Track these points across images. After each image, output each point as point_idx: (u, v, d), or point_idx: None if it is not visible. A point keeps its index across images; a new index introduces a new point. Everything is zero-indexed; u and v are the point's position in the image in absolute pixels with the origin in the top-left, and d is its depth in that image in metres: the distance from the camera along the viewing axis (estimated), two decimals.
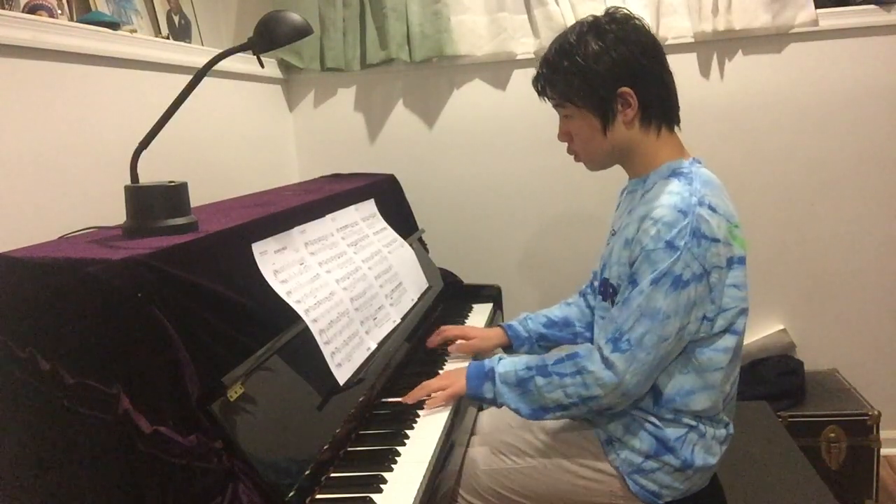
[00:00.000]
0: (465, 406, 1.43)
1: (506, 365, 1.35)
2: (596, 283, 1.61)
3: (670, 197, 1.23)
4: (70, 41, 1.44)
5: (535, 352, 1.67)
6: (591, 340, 1.63)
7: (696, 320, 1.24)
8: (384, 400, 1.41)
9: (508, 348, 1.69)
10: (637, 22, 1.32)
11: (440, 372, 1.57)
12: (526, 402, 1.31)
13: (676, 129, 1.37)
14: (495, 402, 1.35)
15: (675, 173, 1.28)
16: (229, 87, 2.16)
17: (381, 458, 1.19)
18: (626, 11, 1.33)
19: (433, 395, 1.38)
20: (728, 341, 1.28)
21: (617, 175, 1.44)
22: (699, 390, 1.28)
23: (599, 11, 1.36)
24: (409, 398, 1.38)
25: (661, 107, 1.32)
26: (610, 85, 1.29)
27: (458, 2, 2.37)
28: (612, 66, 1.28)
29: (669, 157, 1.33)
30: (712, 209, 1.23)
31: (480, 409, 1.62)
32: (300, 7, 2.35)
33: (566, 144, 1.41)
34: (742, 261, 1.27)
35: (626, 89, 1.28)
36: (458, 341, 1.67)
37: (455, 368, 1.46)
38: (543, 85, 1.37)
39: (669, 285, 1.19)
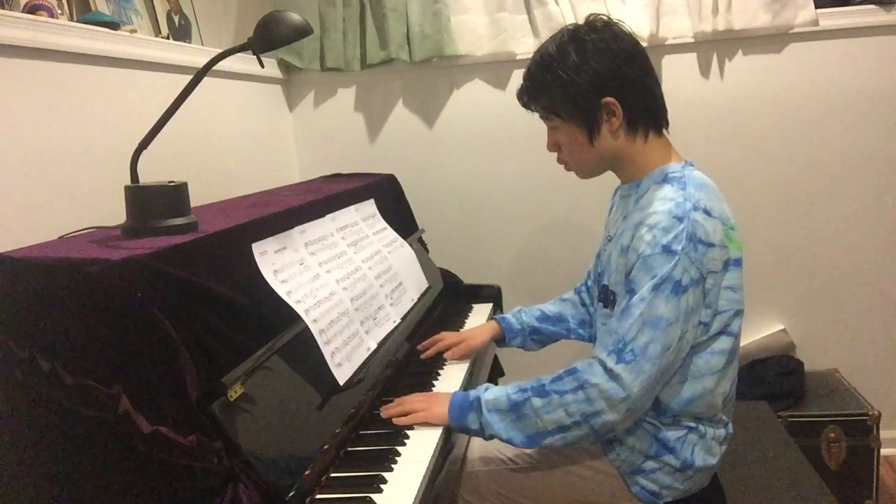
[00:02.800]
0: None
1: (495, 392, 1.28)
2: (590, 283, 1.61)
3: (665, 203, 1.22)
4: (70, 41, 1.44)
5: (528, 345, 1.68)
6: (584, 337, 1.64)
7: (694, 327, 1.23)
8: (384, 399, 1.41)
9: (501, 341, 1.69)
10: (618, 28, 1.30)
11: (440, 372, 1.57)
12: (520, 428, 1.24)
13: (665, 131, 1.36)
14: (482, 434, 1.28)
15: (667, 178, 1.28)
16: (229, 87, 2.16)
17: (381, 458, 1.19)
18: (606, 19, 1.31)
19: (409, 414, 1.31)
20: (724, 343, 1.27)
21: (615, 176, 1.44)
22: (697, 397, 1.27)
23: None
24: (385, 412, 1.33)
25: (646, 113, 1.31)
26: (593, 96, 1.27)
27: (458, 2, 2.37)
28: (594, 77, 1.26)
29: (660, 160, 1.32)
30: (707, 213, 1.22)
31: None
32: (300, 7, 2.35)
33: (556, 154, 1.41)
34: (738, 262, 1.27)
35: (609, 99, 1.27)
36: (453, 347, 1.64)
37: (441, 392, 1.39)
38: (527, 99, 1.36)
39: (670, 291, 1.18)
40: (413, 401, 1.34)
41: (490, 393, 1.29)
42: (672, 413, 1.28)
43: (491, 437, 1.28)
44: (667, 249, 1.18)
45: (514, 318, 1.67)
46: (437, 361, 1.63)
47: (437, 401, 1.33)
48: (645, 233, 1.21)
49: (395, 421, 1.30)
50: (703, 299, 1.22)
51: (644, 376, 1.18)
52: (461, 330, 1.80)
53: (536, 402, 1.23)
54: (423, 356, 1.64)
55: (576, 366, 1.24)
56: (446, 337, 1.67)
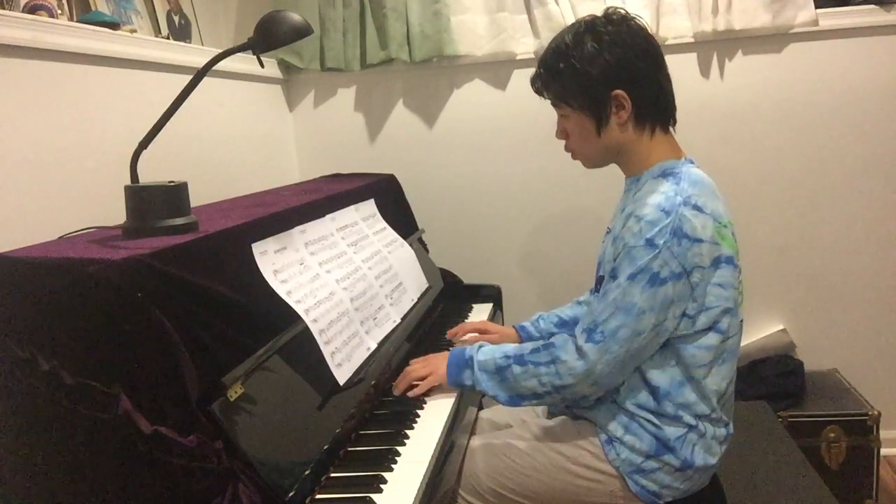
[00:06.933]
0: (465, 406, 1.43)
1: (485, 353, 1.39)
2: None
3: (656, 196, 1.25)
4: (70, 41, 1.44)
5: None
6: None
7: (675, 317, 1.25)
8: (384, 399, 1.41)
9: None
10: (634, 23, 1.32)
11: None
12: (503, 389, 1.35)
13: (672, 129, 1.37)
14: (474, 389, 1.39)
15: (665, 173, 1.30)
16: (229, 87, 2.16)
17: (381, 458, 1.19)
18: (623, 13, 1.34)
19: (416, 383, 1.43)
20: (711, 339, 1.28)
21: (617, 174, 1.45)
22: (686, 382, 1.29)
23: (599, 11, 1.36)
24: (397, 389, 1.44)
25: (655, 109, 1.33)
26: (604, 87, 1.30)
27: (458, 2, 2.37)
28: (607, 68, 1.29)
29: (663, 157, 1.34)
30: (698, 209, 1.23)
31: (480, 408, 1.62)
32: (300, 7, 2.35)
33: (564, 142, 1.42)
34: (730, 260, 1.27)
35: (619, 92, 1.29)
36: (475, 333, 1.72)
37: (438, 354, 1.49)
38: (540, 86, 1.39)
39: (646, 282, 1.21)
40: (416, 369, 1.45)
41: (482, 353, 1.39)
42: (671, 399, 1.29)
43: (482, 394, 1.39)
44: (649, 243, 1.21)
45: (533, 327, 1.70)
46: None
47: (437, 362, 1.44)
48: (633, 224, 1.24)
49: (409, 394, 1.41)
50: (689, 292, 1.24)
51: (610, 356, 1.25)
52: None
53: (516, 369, 1.33)
54: (448, 334, 1.73)
55: (553, 340, 1.33)
56: (471, 324, 1.76)
